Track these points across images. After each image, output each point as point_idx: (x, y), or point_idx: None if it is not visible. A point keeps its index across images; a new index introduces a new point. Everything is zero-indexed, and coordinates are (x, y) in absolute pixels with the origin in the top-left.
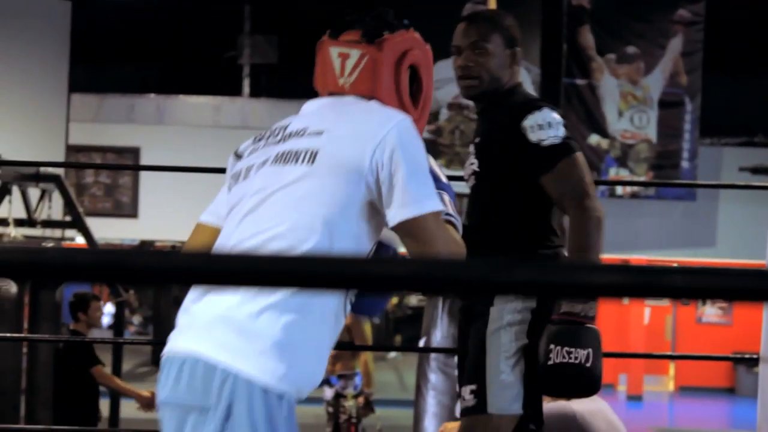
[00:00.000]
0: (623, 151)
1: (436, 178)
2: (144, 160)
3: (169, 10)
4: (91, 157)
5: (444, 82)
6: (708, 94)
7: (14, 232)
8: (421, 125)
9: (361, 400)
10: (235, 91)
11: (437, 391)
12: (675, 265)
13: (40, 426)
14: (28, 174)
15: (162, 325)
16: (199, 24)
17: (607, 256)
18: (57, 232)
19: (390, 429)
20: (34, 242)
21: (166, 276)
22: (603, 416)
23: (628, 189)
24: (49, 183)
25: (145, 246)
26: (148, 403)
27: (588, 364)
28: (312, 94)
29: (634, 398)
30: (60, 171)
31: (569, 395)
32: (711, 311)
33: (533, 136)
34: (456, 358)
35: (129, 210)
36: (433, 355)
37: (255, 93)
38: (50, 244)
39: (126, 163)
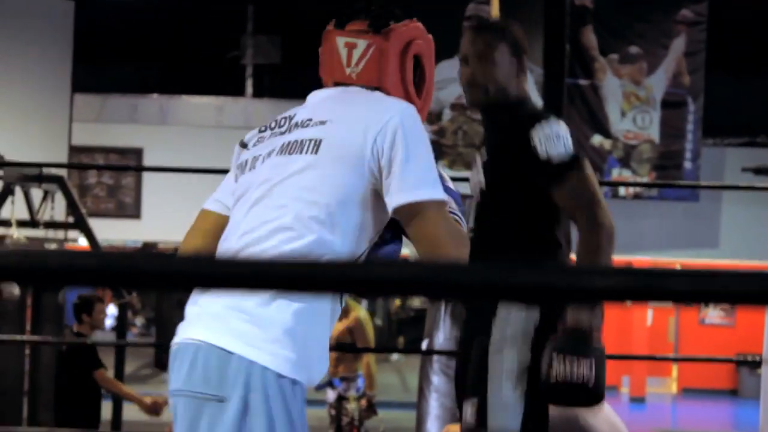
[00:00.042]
0: (626, 152)
1: (441, 181)
2: (147, 161)
3: (172, 10)
4: (94, 158)
5: (447, 82)
6: (711, 94)
7: (17, 234)
8: (423, 115)
9: (363, 402)
10: (238, 91)
11: (440, 394)
12: (678, 266)
13: (42, 428)
14: (31, 175)
15: (165, 327)
16: (202, 24)
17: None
18: (60, 234)
19: (392, 431)
20: (37, 243)
21: (168, 280)
22: (605, 418)
23: (631, 190)
24: (52, 184)
25: (148, 247)
26: (151, 409)
27: (590, 383)
28: None
29: (637, 400)
30: (63, 172)
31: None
32: (714, 313)
33: (542, 151)
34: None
35: (132, 211)
36: (435, 357)
37: (258, 93)
38: (53, 246)
39: (129, 163)
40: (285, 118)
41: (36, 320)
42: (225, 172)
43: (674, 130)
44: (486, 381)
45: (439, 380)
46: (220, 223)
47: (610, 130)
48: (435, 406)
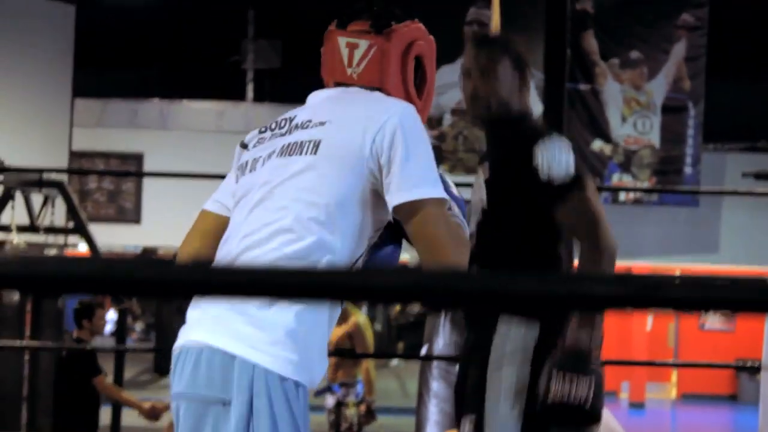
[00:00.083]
0: (626, 157)
1: (446, 187)
2: (147, 166)
3: (173, 14)
4: (95, 163)
5: (447, 87)
6: (711, 99)
7: (17, 239)
8: (424, 115)
9: (362, 408)
10: (238, 95)
11: (439, 399)
12: (678, 271)
13: None
14: (31, 180)
15: (164, 332)
16: (202, 29)
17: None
18: (60, 239)
19: None
20: (37, 249)
21: (166, 288)
22: (605, 424)
23: (631, 195)
24: (53, 189)
25: (148, 252)
26: (150, 414)
27: (587, 404)
28: None
29: (637, 406)
30: (63, 177)
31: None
32: (714, 318)
33: (544, 170)
34: (458, 367)
35: (132, 216)
36: (435, 363)
37: (258, 98)
38: (53, 251)
39: (129, 168)
40: (285, 119)
41: (35, 326)
42: (225, 177)
43: (674, 135)
44: (484, 398)
45: (438, 385)
46: (220, 223)
47: (610, 135)
48: (434, 411)
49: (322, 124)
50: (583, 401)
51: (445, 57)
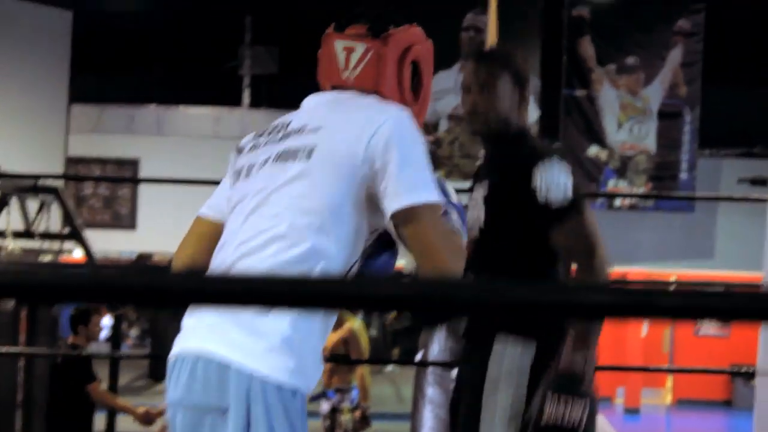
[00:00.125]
0: (622, 163)
1: (446, 196)
2: (143, 171)
3: (170, 21)
4: (91, 169)
5: (443, 92)
6: (707, 105)
7: (12, 245)
8: (420, 120)
9: (357, 414)
10: (235, 101)
11: (434, 405)
12: (673, 277)
13: None
14: (27, 186)
15: (160, 338)
16: (199, 34)
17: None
18: (55, 245)
19: None
20: (32, 255)
21: (161, 297)
22: (600, 429)
23: (627, 201)
24: (48, 195)
25: (143, 258)
26: (145, 419)
27: (580, 428)
28: None
29: (632, 411)
30: (59, 183)
31: None
32: (708, 324)
33: (542, 193)
34: (453, 373)
35: (127, 222)
36: (430, 369)
37: (255, 104)
38: (48, 257)
39: (125, 174)
40: (280, 124)
41: (30, 332)
42: (221, 183)
43: (670, 140)
44: (479, 421)
45: (433, 391)
46: (215, 229)
47: (606, 140)
48: (429, 417)
49: (316, 130)
50: (576, 424)
51: (441, 63)
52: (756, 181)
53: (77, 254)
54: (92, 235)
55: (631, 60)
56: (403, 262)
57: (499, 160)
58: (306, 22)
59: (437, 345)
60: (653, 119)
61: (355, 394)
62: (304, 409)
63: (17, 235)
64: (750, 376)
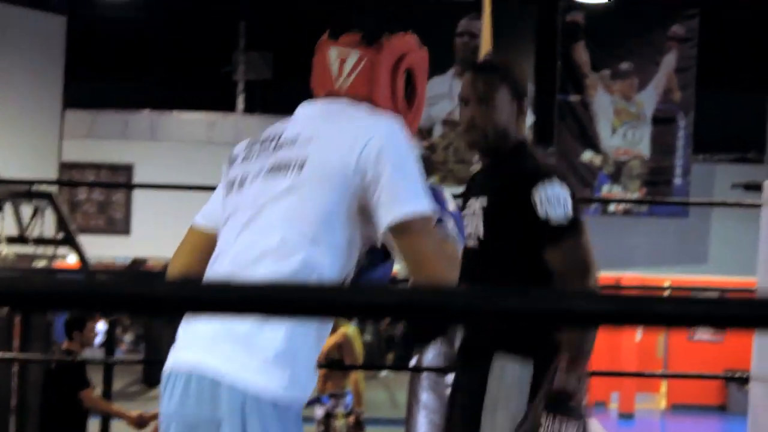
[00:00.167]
0: (616, 168)
1: (444, 204)
2: (137, 177)
3: (164, 26)
4: (85, 174)
5: (438, 98)
6: (701, 110)
7: (6, 250)
8: (413, 128)
9: (351, 419)
10: (229, 107)
11: (428, 410)
12: (667, 282)
13: None
14: (21, 191)
15: (154, 343)
16: (193, 40)
17: (600, 274)
18: (49, 250)
19: None
20: (26, 260)
21: (154, 305)
22: None
23: (621, 206)
24: (42, 200)
25: (138, 263)
26: (138, 423)
27: None
28: None
29: (626, 416)
30: (53, 188)
31: None
32: (703, 329)
33: (542, 211)
34: (447, 378)
35: (121, 227)
36: (424, 374)
37: (249, 109)
38: (42, 262)
39: (119, 179)
40: (273, 134)
41: (24, 337)
42: (213, 189)
43: (664, 145)
44: None
45: (428, 397)
46: (210, 239)
47: (600, 146)
48: (423, 423)
49: (308, 141)
50: None
51: (436, 68)
52: (750, 187)
53: (71, 259)
54: (86, 241)
55: (625, 65)
56: (397, 267)
57: (499, 174)
58: (300, 28)
59: (432, 350)
60: (647, 124)
61: (349, 399)
62: (299, 422)
63: (11, 240)
64: (744, 381)
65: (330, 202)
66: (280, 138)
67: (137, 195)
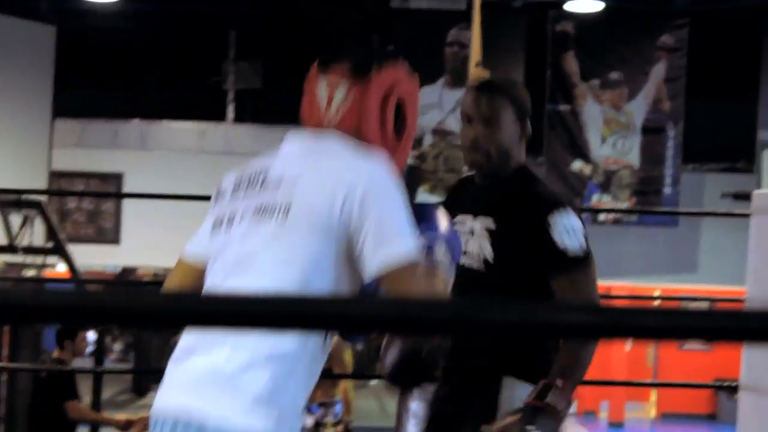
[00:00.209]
0: (606, 177)
1: (433, 225)
2: (128, 186)
3: (154, 35)
4: (74, 183)
5: (427, 107)
6: (691, 119)
7: None
8: (404, 157)
9: (340, 428)
10: (219, 116)
11: (418, 419)
12: (657, 291)
13: None
14: (10, 200)
15: (143, 352)
16: (183, 49)
17: None
18: (38, 259)
19: None
20: (15, 269)
21: (144, 318)
22: None
23: (611, 215)
24: (32, 209)
25: (127, 272)
26: (125, 427)
27: None
28: (296, 119)
29: (616, 425)
30: (43, 197)
31: None
32: None
33: (559, 241)
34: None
35: (111, 236)
36: None
37: (239, 118)
38: (31, 271)
39: (109, 188)
40: (259, 171)
41: (13, 346)
42: (203, 198)
43: (654, 155)
44: None
45: (417, 406)
46: (198, 272)
47: (590, 155)
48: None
49: (293, 183)
50: None
51: (426, 78)
52: (739, 196)
53: (61, 268)
54: (76, 250)
55: (614, 75)
56: None
57: (506, 196)
58: (290, 38)
59: (418, 395)
60: (637, 134)
61: (338, 408)
62: None
63: (0, 249)
64: (734, 390)
65: (318, 249)
66: (265, 176)
67: (127, 204)
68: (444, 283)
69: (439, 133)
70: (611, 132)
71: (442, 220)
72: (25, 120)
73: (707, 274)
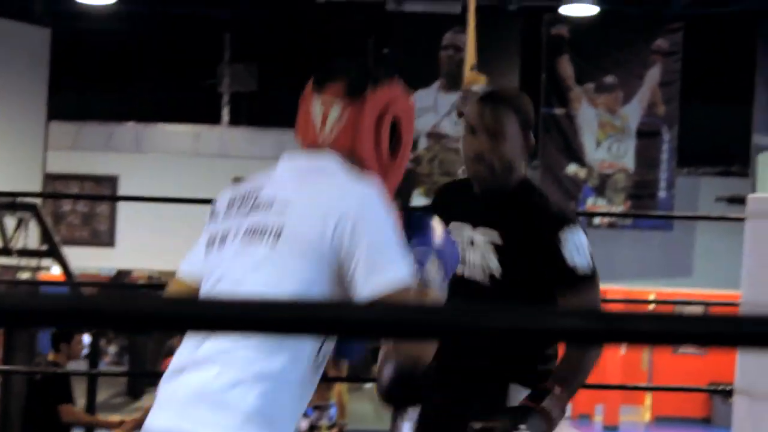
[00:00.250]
0: (601, 181)
1: (427, 237)
2: (122, 189)
3: (148, 38)
4: (69, 186)
5: (423, 111)
6: (685, 123)
7: None
8: (399, 175)
9: (335, 431)
10: (214, 119)
11: (413, 422)
12: (652, 295)
13: None
14: (5, 203)
15: (138, 355)
16: (178, 52)
17: None
18: (33, 261)
19: None
20: (10, 272)
21: (140, 322)
22: None
23: (606, 219)
24: (26, 212)
25: (122, 275)
26: (119, 427)
27: None
28: (291, 121)
29: (611, 429)
30: (37, 199)
31: None
32: None
33: (569, 258)
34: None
35: (106, 239)
36: None
37: (234, 121)
38: (26, 274)
39: (104, 191)
40: (251, 191)
41: (8, 348)
42: (198, 201)
43: (649, 159)
44: None
45: (412, 409)
46: (193, 291)
47: (585, 159)
48: None
49: (284, 207)
50: None
51: (421, 81)
52: (733, 200)
53: (55, 271)
54: (70, 252)
55: (609, 79)
56: None
57: (511, 209)
58: (285, 40)
59: (410, 417)
60: (632, 138)
61: (333, 411)
62: None
63: None
64: (728, 393)
65: (308, 276)
66: (258, 196)
67: (122, 207)
68: (435, 301)
69: (434, 136)
70: (606, 135)
71: (437, 230)
72: (20, 122)
73: (702, 278)
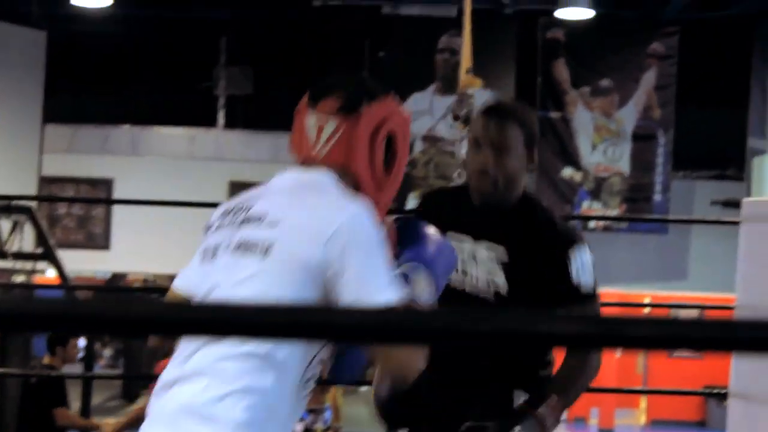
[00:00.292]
0: (596, 184)
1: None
2: (118, 192)
3: (144, 41)
4: (65, 188)
5: (418, 114)
6: (681, 127)
7: None
8: (393, 191)
9: None
10: (210, 122)
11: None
12: (647, 299)
13: None
14: (0, 205)
15: (133, 358)
16: (174, 55)
17: None
18: (28, 264)
19: None
20: (5, 274)
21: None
22: None
23: (601, 222)
24: (22, 215)
25: (117, 278)
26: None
27: None
28: (287, 125)
29: None
30: (32, 202)
31: None
32: None
33: (575, 276)
34: None
35: (101, 242)
36: None
37: (230, 124)
38: (21, 277)
39: (100, 194)
40: (243, 205)
41: (2, 351)
42: (194, 204)
43: (644, 162)
44: None
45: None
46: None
47: (580, 162)
48: None
49: (275, 223)
50: None
51: (416, 85)
52: (729, 204)
53: (50, 274)
54: (66, 255)
55: (605, 82)
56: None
57: (520, 229)
58: (280, 43)
59: None
60: (627, 141)
61: (328, 414)
62: None
63: None
64: (723, 397)
65: (295, 292)
66: (249, 211)
67: (117, 210)
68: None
69: (430, 139)
70: (602, 139)
71: (430, 237)
72: (16, 125)
73: (697, 281)
